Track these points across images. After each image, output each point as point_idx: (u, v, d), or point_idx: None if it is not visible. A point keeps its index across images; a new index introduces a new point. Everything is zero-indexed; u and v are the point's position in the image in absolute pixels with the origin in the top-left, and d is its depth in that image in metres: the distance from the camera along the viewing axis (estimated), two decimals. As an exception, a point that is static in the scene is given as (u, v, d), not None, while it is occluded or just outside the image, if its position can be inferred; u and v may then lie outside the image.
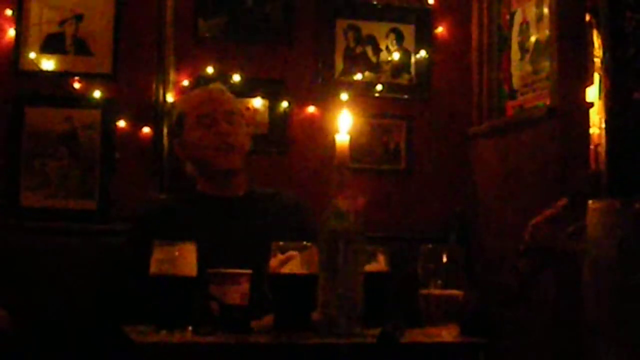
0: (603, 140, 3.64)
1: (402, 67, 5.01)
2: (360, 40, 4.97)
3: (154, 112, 4.61)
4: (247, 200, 3.29)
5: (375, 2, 5.00)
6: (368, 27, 4.99)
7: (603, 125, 3.62)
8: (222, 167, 3.25)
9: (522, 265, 2.86)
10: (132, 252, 3.06)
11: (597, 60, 3.71)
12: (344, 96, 4.84)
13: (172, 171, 4.55)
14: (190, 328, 2.31)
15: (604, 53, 3.52)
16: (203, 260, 2.46)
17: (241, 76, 4.69)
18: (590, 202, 2.21)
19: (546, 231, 2.78)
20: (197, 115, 3.28)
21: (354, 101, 4.83)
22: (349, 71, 4.93)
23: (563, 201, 2.87)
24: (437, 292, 2.43)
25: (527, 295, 3.03)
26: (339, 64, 4.94)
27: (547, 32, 4.32)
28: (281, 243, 2.39)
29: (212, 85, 3.51)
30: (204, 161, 3.28)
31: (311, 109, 4.83)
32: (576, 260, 2.38)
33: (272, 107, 4.79)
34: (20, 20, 4.55)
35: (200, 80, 4.64)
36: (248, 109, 4.69)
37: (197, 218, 3.19)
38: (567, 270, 3.15)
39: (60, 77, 4.57)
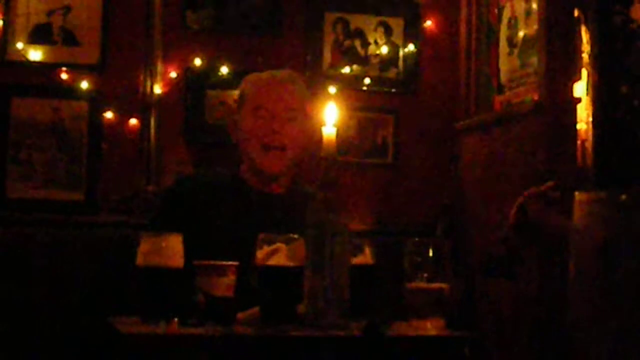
0: (590, 136, 3.65)
1: (390, 60, 5.01)
2: (349, 33, 4.97)
3: (142, 104, 4.61)
4: (284, 199, 3.13)
5: (364, -5, 5.01)
6: (357, 20, 4.99)
7: (590, 120, 3.62)
8: (264, 169, 3.09)
9: (511, 238, 2.87)
10: (160, 224, 2.99)
11: (585, 56, 3.72)
12: (332, 89, 4.83)
13: (158, 163, 4.55)
14: (176, 319, 2.31)
15: (591, 47, 3.52)
16: (223, 249, 2.45)
17: (229, 68, 4.69)
18: (576, 193, 2.21)
19: (535, 206, 2.79)
20: (256, 104, 3.10)
21: (341, 94, 4.83)
22: (337, 64, 4.93)
23: (552, 182, 2.88)
24: (423, 285, 2.44)
25: (515, 268, 3.04)
26: (327, 57, 4.94)
27: (535, 27, 4.32)
28: (268, 235, 2.39)
29: (279, 72, 3.28)
30: (249, 155, 3.11)
31: (299, 101, 4.82)
32: (563, 237, 2.39)
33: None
34: (7, 11, 4.53)
35: (187, 72, 4.64)
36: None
37: (228, 205, 3.08)
38: (552, 248, 3.16)
39: (47, 68, 4.56)
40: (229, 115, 3.19)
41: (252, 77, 3.26)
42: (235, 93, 3.27)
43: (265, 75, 3.27)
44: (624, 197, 2.10)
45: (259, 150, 3.07)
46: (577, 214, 2.20)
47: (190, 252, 2.40)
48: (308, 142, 3.15)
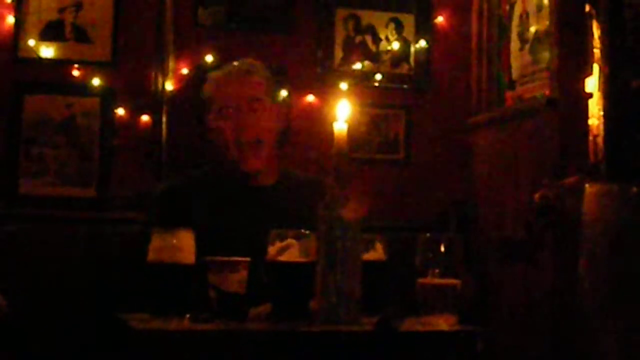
0: (602, 131, 3.64)
1: (401, 56, 5.00)
2: (360, 29, 4.97)
3: (153, 100, 4.61)
4: (275, 190, 3.13)
5: (375, -8, 5.01)
6: (368, 17, 4.98)
7: (602, 115, 3.62)
8: (246, 169, 3.06)
9: (534, 223, 2.88)
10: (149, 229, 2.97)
11: (597, 51, 3.71)
12: (344, 85, 4.83)
13: (171, 159, 4.55)
14: (187, 315, 2.31)
15: (602, 42, 3.52)
16: (219, 245, 2.46)
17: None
18: (587, 186, 2.22)
19: (556, 192, 2.80)
20: (220, 104, 3.06)
21: (353, 90, 4.83)
22: (348, 60, 4.93)
23: (576, 178, 2.89)
24: (435, 281, 2.43)
25: (533, 252, 3.04)
26: (339, 53, 4.93)
27: (546, 22, 4.32)
28: (279, 231, 2.39)
29: (237, 64, 3.20)
30: (226, 155, 3.07)
31: (310, 97, 4.83)
32: (578, 221, 2.39)
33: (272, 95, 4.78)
34: (19, 8, 4.54)
35: (199, 69, 4.64)
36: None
37: (220, 202, 3.07)
38: (568, 237, 3.16)
39: (59, 65, 4.56)
40: (199, 135, 3.13)
41: (213, 75, 3.21)
42: (202, 95, 3.19)
43: (223, 71, 3.21)
44: (634, 189, 2.11)
45: (235, 149, 3.04)
46: (588, 206, 2.21)
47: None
48: (282, 125, 3.14)
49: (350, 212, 2.30)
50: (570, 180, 2.85)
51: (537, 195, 2.86)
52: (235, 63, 3.23)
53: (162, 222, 2.66)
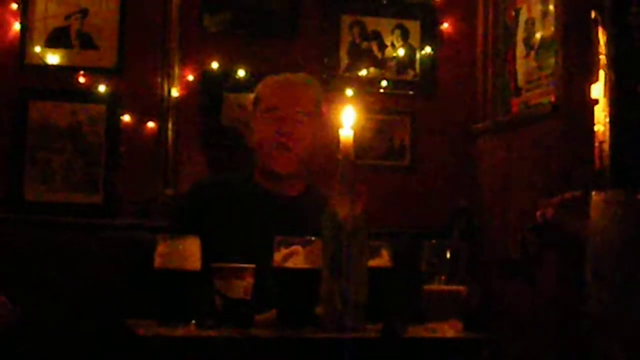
0: (608, 137, 3.64)
1: (407, 63, 5.01)
2: (366, 35, 4.97)
3: (159, 107, 4.62)
4: (300, 202, 3.18)
5: (380, -2, 5.01)
6: (373, 23, 4.99)
7: (607, 120, 3.61)
8: (276, 170, 3.13)
9: (530, 241, 2.87)
10: (176, 224, 3.02)
11: (603, 57, 3.71)
12: (349, 92, 4.84)
13: (176, 165, 4.56)
14: (193, 322, 2.31)
15: (607, 48, 3.52)
16: (237, 252, 2.46)
17: (246, 71, 4.69)
18: (593, 193, 2.21)
19: (556, 212, 2.79)
20: (268, 106, 3.16)
21: (358, 97, 4.83)
22: (353, 67, 4.93)
23: (578, 192, 2.88)
24: (440, 287, 2.44)
25: (532, 270, 3.04)
26: (344, 60, 4.94)
27: (552, 28, 4.32)
28: (285, 237, 2.40)
29: (294, 75, 3.33)
30: (261, 155, 3.16)
31: (316, 104, 4.83)
32: (581, 242, 2.38)
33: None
34: (25, 14, 4.55)
35: (205, 75, 4.65)
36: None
37: (243, 208, 3.11)
38: (571, 254, 3.16)
39: (65, 72, 4.57)
40: (246, 118, 3.21)
41: (268, 79, 3.31)
42: (251, 95, 3.31)
43: (280, 77, 3.31)
44: (640, 196, 2.10)
45: (271, 150, 3.11)
46: (594, 214, 2.20)
47: (207, 255, 2.41)
48: (315, 145, 3.20)
49: (356, 217, 2.30)
50: (569, 196, 2.85)
51: (538, 214, 2.85)
52: (293, 74, 3.35)
53: (185, 222, 2.66)
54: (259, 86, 3.27)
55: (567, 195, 2.86)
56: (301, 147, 3.14)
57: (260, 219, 3.08)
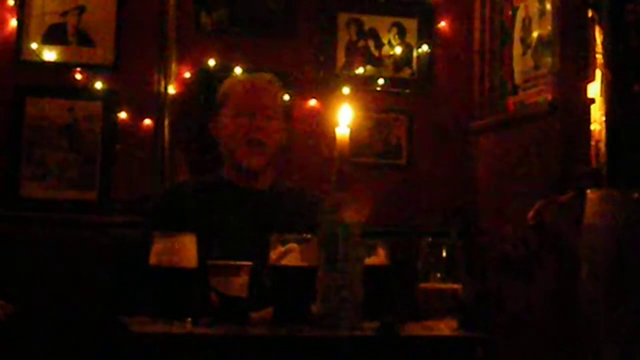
0: (604, 136, 3.64)
1: (404, 61, 5.01)
2: (363, 34, 4.97)
3: (156, 104, 4.61)
4: (270, 195, 3.25)
5: (377, -4, 5.01)
6: (370, 21, 4.99)
7: (604, 119, 3.62)
8: (247, 164, 3.20)
9: (530, 239, 2.88)
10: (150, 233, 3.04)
11: (599, 57, 3.72)
12: (346, 90, 4.84)
13: (172, 163, 4.56)
14: (189, 319, 2.31)
15: (604, 47, 3.52)
16: (215, 249, 2.47)
17: (243, 69, 4.69)
18: (588, 191, 2.21)
19: (550, 214, 2.80)
20: (237, 104, 3.24)
21: (355, 95, 4.83)
22: (350, 65, 4.93)
23: (571, 193, 2.88)
24: (436, 285, 2.44)
25: (532, 268, 3.04)
26: (341, 58, 4.94)
27: (549, 27, 4.32)
28: (281, 235, 2.40)
29: (259, 75, 3.47)
30: (231, 152, 3.23)
31: (313, 102, 4.83)
32: (572, 246, 2.39)
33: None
34: (22, 11, 4.55)
35: (201, 73, 4.65)
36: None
37: (218, 206, 3.17)
38: (568, 254, 3.17)
39: (61, 68, 4.57)
40: (211, 123, 3.31)
41: (233, 79, 3.48)
42: (218, 93, 3.38)
43: (246, 77, 3.55)
44: (636, 195, 2.10)
45: (243, 146, 3.19)
46: (589, 212, 2.20)
47: None
48: (283, 141, 3.29)
49: (352, 215, 2.30)
50: (565, 197, 2.85)
51: (530, 214, 2.86)
52: (255, 74, 3.54)
53: (162, 226, 2.68)
54: (225, 86, 3.37)
55: (563, 198, 2.87)
56: (272, 142, 3.22)
57: (233, 215, 3.13)
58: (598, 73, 3.74)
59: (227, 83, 3.39)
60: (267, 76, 3.41)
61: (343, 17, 4.95)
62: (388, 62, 4.99)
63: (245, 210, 3.16)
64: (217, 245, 2.61)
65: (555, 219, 2.78)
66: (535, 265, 3.04)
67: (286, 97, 4.49)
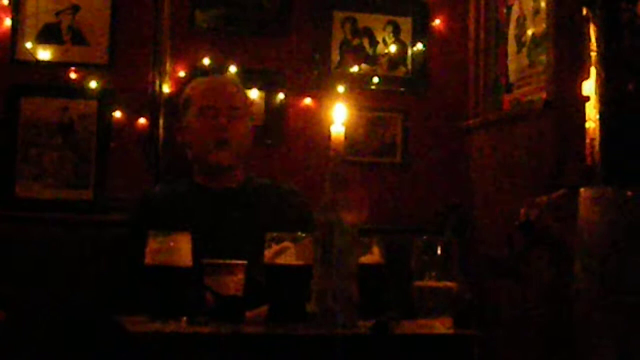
0: (598, 134, 3.65)
1: (398, 59, 5.01)
2: (357, 32, 4.97)
3: (150, 103, 4.61)
4: (242, 192, 3.30)
5: (372, -6, 5.01)
6: (365, 19, 4.99)
7: (598, 117, 3.62)
8: (215, 162, 3.26)
9: (516, 240, 2.88)
10: (129, 241, 3.07)
11: (594, 54, 3.72)
12: (340, 88, 4.83)
13: (168, 162, 4.55)
14: (184, 318, 2.31)
15: (598, 45, 3.52)
16: (198, 252, 2.47)
17: (237, 67, 4.68)
18: (582, 189, 2.22)
19: (538, 213, 2.80)
20: (201, 105, 3.29)
21: (350, 94, 4.83)
22: (345, 63, 4.93)
23: (561, 191, 2.88)
24: (431, 284, 2.44)
25: (519, 268, 3.04)
26: (335, 56, 4.94)
27: (543, 25, 4.32)
28: (276, 234, 2.40)
29: (221, 76, 3.50)
30: (199, 152, 3.29)
31: (307, 100, 4.83)
32: (565, 244, 2.39)
33: (269, 98, 4.79)
34: (16, 10, 4.54)
35: (196, 72, 4.64)
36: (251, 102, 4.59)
37: (191, 209, 3.21)
38: (561, 252, 3.17)
39: (56, 67, 4.57)
40: (175, 129, 3.36)
41: (196, 81, 3.51)
42: (181, 97, 3.45)
43: (208, 79, 3.60)
44: (629, 193, 2.11)
45: (209, 145, 3.25)
46: (583, 209, 2.20)
47: None
48: (248, 139, 3.35)
49: (349, 215, 2.31)
50: (554, 196, 2.85)
51: (521, 213, 2.86)
52: (218, 76, 3.73)
53: (139, 235, 2.68)
54: (187, 89, 3.44)
55: (553, 196, 2.87)
56: (238, 140, 3.27)
57: (205, 217, 3.17)
58: (593, 71, 3.74)
59: (188, 86, 3.45)
60: (230, 76, 3.47)
61: (338, 16, 4.95)
62: (383, 60, 4.99)
63: (219, 211, 3.21)
64: (197, 247, 2.60)
65: (544, 218, 2.78)
66: (521, 266, 3.04)
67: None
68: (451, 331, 2.37)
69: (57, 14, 4.61)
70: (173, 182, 3.46)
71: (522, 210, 2.85)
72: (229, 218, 3.18)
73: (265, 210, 3.21)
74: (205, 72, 4.64)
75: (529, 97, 4.46)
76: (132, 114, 4.63)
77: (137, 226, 3.09)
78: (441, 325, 2.38)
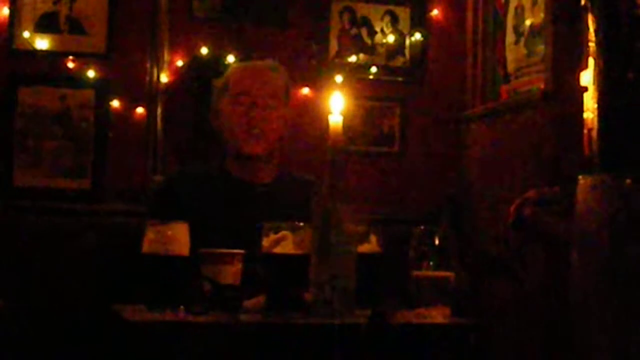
0: (596, 124, 3.64)
1: (396, 49, 5.01)
2: (355, 22, 4.97)
3: (148, 92, 4.61)
4: (272, 188, 3.17)
5: (370, -16, 5.01)
6: (363, 9, 4.99)
7: (596, 107, 3.62)
8: (247, 152, 3.11)
9: (511, 238, 2.87)
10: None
11: (592, 45, 3.71)
12: (339, 78, 4.83)
13: (165, 151, 4.56)
14: (182, 307, 2.31)
15: (597, 35, 3.51)
16: (213, 241, 2.46)
17: (235, 57, 4.68)
18: (580, 177, 2.21)
19: (531, 209, 2.79)
20: (236, 91, 3.14)
21: (348, 83, 4.83)
22: (343, 53, 4.93)
23: (555, 188, 2.88)
24: (428, 273, 2.44)
25: (514, 266, 3.03)
26: (334, 46, 4.94)
27: (541, 15, 4.32)
28: (273, 223, 2.39)
29: (262, 62, 3.36)
30: (231, 140, 3.15)
31: (305, 90, 4.83)
32: (559, 240, 2.39)
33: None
34: (14, 0, 4.54)
35: (194, 61, 4.64)
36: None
37: (217, 198, 3.11)
38: (556, 248, 3.17)
39: (54, 57, 4.57)
40: (210, 113, 3.25)
41: (237, 65, 3.37)
42: (219, 81, 3.30)
43: (249, 64, 3.38)
44: (628, 180, 2.10)
45: (241, 134, 3.10)
46: (581, 198, 2.20)
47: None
48: (285, 131, 3.19)
49: (344, 204, 2.31)
50: (545, 190, 2.84)
51: (511, 209, 2.84)
52: (261, 61, 3.37)
53: (160, 216, 2.66)
54: (228, 72, 3.27)
55: (544, 190, 2.86)
56: (272, 132, 3.13)
57: (233, 207, 3.08)
58: (591, 61, 3.73)
59: (230, 69, 3.30)
60: (273, 62, 3.31)
61: (336, 6, 4.95)
62: (381, 50, 4.99)
63: (245, 203, 3.10)
64: (214, 237, 2.59)
65: (538, 214, 2.77)
66: (517, 265, 3.03)
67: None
68: (448, 320, 2.37)
69: (55, 3, 4.61)
70: (198, 166, 3.34)
71: (512, 208, 2.84)
72: (251, 212, 2.96)
73: (292, 208, 2.82)
74: (204, 61, 4.64)
75: (527, 88, 4.46)
76: (130, 103, 4.63)
77: (157, 213, 3.05)
78: (439, 315, 2.38)
